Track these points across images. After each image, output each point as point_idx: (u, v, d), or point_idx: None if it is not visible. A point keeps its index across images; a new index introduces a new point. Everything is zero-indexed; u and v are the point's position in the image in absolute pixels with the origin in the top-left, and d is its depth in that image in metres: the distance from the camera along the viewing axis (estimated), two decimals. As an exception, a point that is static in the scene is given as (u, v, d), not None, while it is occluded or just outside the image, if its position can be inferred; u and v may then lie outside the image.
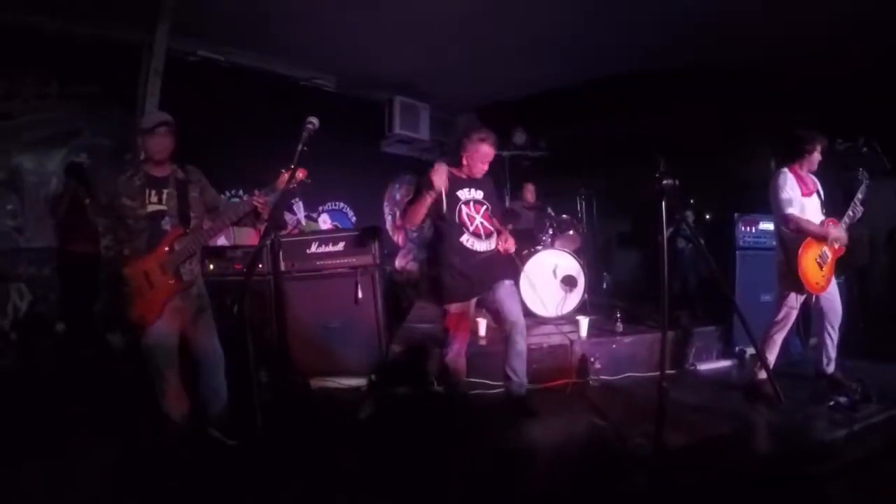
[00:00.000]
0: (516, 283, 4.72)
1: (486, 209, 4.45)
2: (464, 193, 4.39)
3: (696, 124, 7.63)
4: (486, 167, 4.41)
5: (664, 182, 3.08)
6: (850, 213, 4.61)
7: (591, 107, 8.37)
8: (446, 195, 4.22)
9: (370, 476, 3.47)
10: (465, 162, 4.38)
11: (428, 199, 4.11)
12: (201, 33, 6.97)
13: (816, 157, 4.67)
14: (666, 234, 3.18)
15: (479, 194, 4.45)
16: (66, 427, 3.99)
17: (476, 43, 7.17)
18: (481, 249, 4.37)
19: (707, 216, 7.33)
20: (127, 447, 3.68)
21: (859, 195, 4.56)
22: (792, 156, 4.74)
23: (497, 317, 4.49)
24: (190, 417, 3.67)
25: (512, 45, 7.21)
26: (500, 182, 8.85)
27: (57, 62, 6.43)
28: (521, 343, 4.41)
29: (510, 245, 4.42)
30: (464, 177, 4.43)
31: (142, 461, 3.51)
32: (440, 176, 4.06)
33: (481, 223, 4.38)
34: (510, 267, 4.64)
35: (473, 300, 4.43)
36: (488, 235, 4.40)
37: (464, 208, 4.35)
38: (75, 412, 4.29)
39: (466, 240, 4.35)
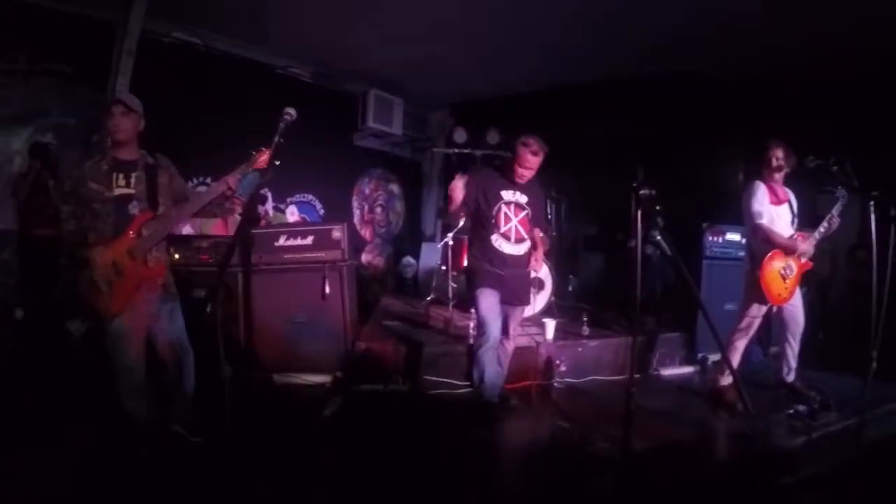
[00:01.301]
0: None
1: (526, 215, 4.52)
2: (508, 194, 4.49)
3: (669, 132, 7.71)
4: (529, 173, 4.44)
5: (641, 191, 3.10)
6: (822, 228, 4.69)
7: (566, 110, 8.39)
8: (490, 192, 4.45)
9: (334, 473, 3.46)
10: (514, 167, 4.43)
11: (452, 207, 4.44)
12: (177, 15, 6.80)
13: (777, 164, 4.75)
14: (638, 241, 3.21)
15: (522, 199, 4.52)
16: (20, 419, 3.87)
17: (454, 40, 7.14)
18: (507, 252, 4.45)
19: (675, 225, 7.40)
20: (85, 442, 3.60)
21: (834, 212, 4.64)
22: (759, 164, 4.88)
23: (502, 326, 4.57)
24: (152, 413, 3.58)
25: (489, 44, 7.20)
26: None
27: (27, 38, 6.18)
28: (509, 347, 4.73)
29: (538, 266, 4.73)
30: (513, 179, 4.49)
31: (100, 457, 3.44)
32: (455, 191, 4.29)
33: (516, 227, 4.45)
34: (529, 293, 4.87)
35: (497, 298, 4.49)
36: (519, 241, 4.47)
37: (504, 208, 4.45)
38: (32, 403, 4.18)
39: (495, 239, 4.45)
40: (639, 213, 3.09)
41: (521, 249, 4.49)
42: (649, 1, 5.77)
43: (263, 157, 3.43)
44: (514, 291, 4.52)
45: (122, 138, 3.52)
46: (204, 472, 3.27)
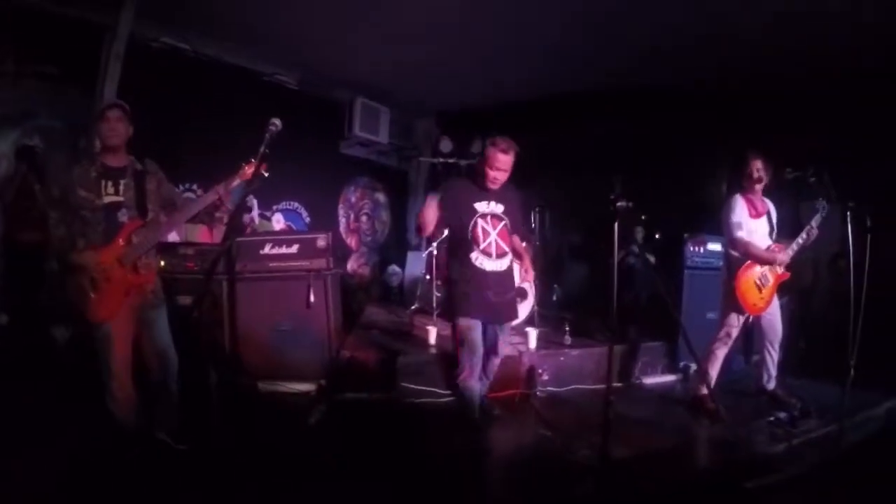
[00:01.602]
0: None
1: (505, 225, 4.23)
2: (482, 206, 4.19)
3: (651, 142, 7.82)
4: (502, 175, 4.15)
5: (618, 204, 3.15)
6: (800, 239, 4.74)
7: (549, 119, 8.48)
8: (464, 206, 4.17)
9: (316, 480, 3.48)
10: (485, 170, 4.14)
11: (424, 233, 4.34)
12: (166, 19, 6.81)
13: (757, 173, 4.80)
14: (617, 253, 3.26)
15: (498, 208, 4.22)
16: (8, 425, 3.83)
17: (440, 50, 7.20)
18: (490, 269, 4.17)
19: (657, 235, 7.48)
20: (69, 447, 3.60)
21: (813, 223, 4.69)
22: (738, 177, 4.95)
23: (490, 343, 4.41)
24: (138, 419, 3.59)
25: (475, 54, 7.26)
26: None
27: (15, 40, 6.16)
28: (495, 361, 4.59)
29: (530, 276, 4.44)
30: (485, 188, 4.22)
31: (84, 462, 3.43)
32: (427, 216, 4.09)
33: (496, 241, 4.16)
34: (516, 307, 4.64)
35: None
36: (500, 255, 4.19)
37: (480, 222, 4.16)
38: (15, 408, 4.15)
39: (475, 257, 4.17)
40: (615, 224, 3.10)
41: (503, 265, 4.23)
42: (633, 13, 5.87)
43: (250, 169, 3.44)
44: (502, 311, 4.32)
45: (116, 143, 3.55)
46: (188, 477, 3.30)
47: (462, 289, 4.21)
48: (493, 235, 4.15)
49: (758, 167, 4.80)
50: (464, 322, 4.18)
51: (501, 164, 4.10)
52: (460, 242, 4.22)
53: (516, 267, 4.51)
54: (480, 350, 4.22)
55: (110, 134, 3.51)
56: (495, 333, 4.37)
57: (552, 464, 3.91)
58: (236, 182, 3.55)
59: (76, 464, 3.42)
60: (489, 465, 4.03)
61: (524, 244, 4.51)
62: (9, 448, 3.54)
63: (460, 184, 4.42)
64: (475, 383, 4.31)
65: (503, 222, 4.22)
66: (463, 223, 4.16)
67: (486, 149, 4.18)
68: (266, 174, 3.28)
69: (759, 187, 4.86)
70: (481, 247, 4.13)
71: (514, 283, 4.40)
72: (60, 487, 3.19)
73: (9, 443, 3.60)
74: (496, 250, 4.15)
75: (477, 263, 4.16)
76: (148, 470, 3.36)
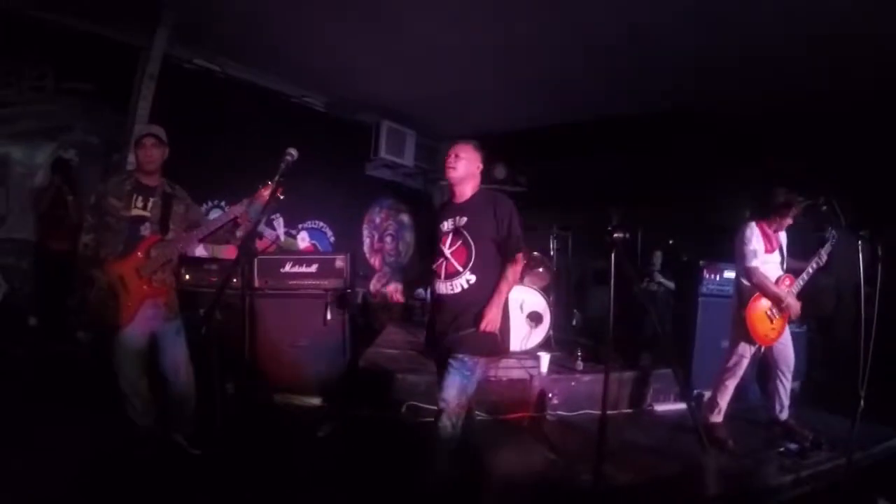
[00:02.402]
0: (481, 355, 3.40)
1: (463, 242, 3.44)
2: (447, 223, 3.56)
3: (677, 167, 7.84)
4: (457, 176, 3.54)
5: (615, 235, 3.21)
6: (810, 269, 4.74)
7: (575, 146, 8.56)
8: (435, 229, 3.62)
9: (322, 496, 3.57)
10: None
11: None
12: (199, 42, 7.09)
13: (788, 220, 4.79)
14: (611, 281, 3.29)
15: (462, 220, 3.49)
16: (29, 424, 4.02)
17: (464, 79, 7.36)
18: (440, 292, 3.52)
19: (684, 258, 7.48)
20: (89, 448, 3.72)
21: (823, 252, 4.70)
22: (765, 212, 4.85)
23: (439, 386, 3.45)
24: (155, 423, 3.73)
25: (499, 82, 7.40)
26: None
27: (55, 57, 6.47)
28: (443, 426, 3.34)
29: (487, 318, 3.30)
30: (451, 203, 3.67)
31: (103, 463, 3.56)
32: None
33: (447, 260, 3.48)
34: (479, 339, 3.35)
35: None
36: (451, 275, 3.44)
37: (440, 243, 3.55)
38: (40, 409, 4.32)
39: (434, 282, 3.60)
40: (612, 255, 3.16)
41: (454, 287, 3.42)
42: (652, 42, 5.99)
43: (266, 192, 3.55)
44: (445, 342, 3.46)
45: (151, 169, 3.76)
46: (198, 479, 3.42)
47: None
48: (447, 253, 3.48)
49: (796, 214, 4.76)
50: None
51: (449, 163, 3.55)
52: None
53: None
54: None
55: (146, 160, 3.73)
56: (445, 371, 3.39)
57: (552, 485, 3.97)
58: (251, 203, 3.70)
59: (92, 462, 3.55)
60: (490, 486, 4.04)
61: (514, 264, 3.48)
62: (28, 446, 3.69)
63: (440, 207, 3.88)
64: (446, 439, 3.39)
65: (461, 238, 3.45)
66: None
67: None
68: (282, 197, 3.41)
69: (783, 223, 4.82)
70: (434, 267, 3.56)
71: (466, 306, 3.39)
72: (74, 483, 3.31)
73: (34, 442, 3.75)
74: (446, 269, 3.47)
75: (434, 288, 3.61)
76: (160, 471, 3.50)
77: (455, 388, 3.30)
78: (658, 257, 7.65)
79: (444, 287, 3.46)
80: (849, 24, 5.27)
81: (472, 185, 3.62)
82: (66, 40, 6.42)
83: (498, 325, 3.35)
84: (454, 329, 3.38)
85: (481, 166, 3.67)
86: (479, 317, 3.30)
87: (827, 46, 5.61)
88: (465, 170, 3.55)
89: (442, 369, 3.44)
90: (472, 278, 3.40)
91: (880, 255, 4.12)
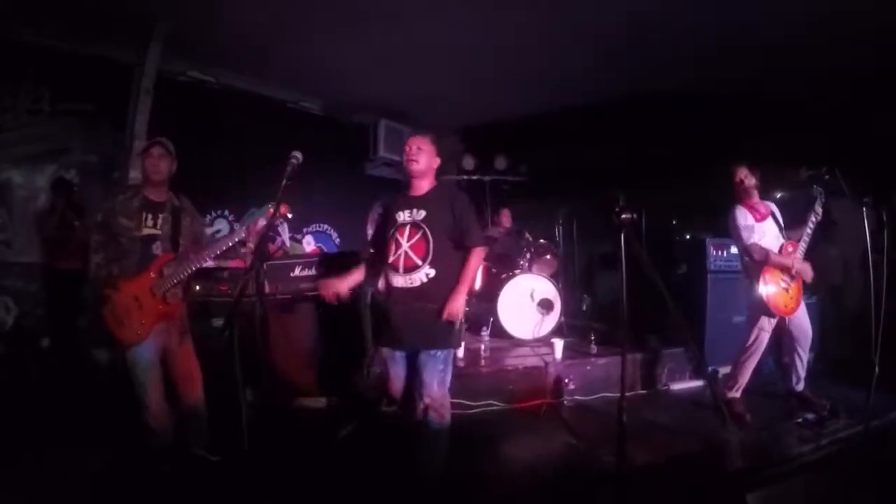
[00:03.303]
0: (451, 347, 3.52)
1: (423, 235, 3.45)
2: (403, 215, 3.56)
3: (678, 148, 7.83)
4: (417, 170, 3.55)
5: (623, 216, 3.22)
6: (808, 229, 4.73)
7: (575, 131, 8.54)
8: (387, 221, 3.65)
9: (349, 493, 3.61)
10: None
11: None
12: (192, 55, 7.11)
13: (748, 183, 4.86)
14: (623, 261, 3.31)
15: (420, 214, 3.51)
16: (49, 441, 4.06)
17: (460, 70, 7.35)
18: (396, 285, 3.50)
19: (687, 236, 7.49)
20: (110, 462, 3.77)
21: (813, 216, 4.71)
22: (734, 194, 4.98)
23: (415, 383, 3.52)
24: (173, 431, 3.74)
25: (496, 72, 7.39)
26: (481, 207, 9.04)
27: (50, 79, 6.52)
28: (432, 422, 3.45)
29: (451, 307, 3.35)
30: (408, 195, 3.65)
31: (125, 476, 3.61)
32: (326, 291, 3.63)
33: (405, 252, 3.46)
34: (438, 332, 3.42)
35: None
36: (410, 269, 3.43)
37: (396, 234, 3.54)
38: (59, 426, 4.37)
39: (386, 272, 3.59)
40: (622, 235, 3.18)
41: (413, 280, 3.43)
42: (655, 23, 5.98)
43: (269, 213, 3.44)
44: (411, 336, 3.46)
45: (159, 179, 3.74)
46: (221, 486, 3.45)
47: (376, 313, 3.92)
48: (405, 247, 3.47)
49: (744, 174, 4.86)
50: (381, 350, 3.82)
51: (409, 155, 3.56)
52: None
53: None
54: (396, 384, 3.66)
55: (153, 170, 3.70)
56: (416, 365, 3.47)
57: (575, 470, 3.99)
58: (260, 223, 3.68)
59: (117, 476, 3.61)
60: (512, 472, 4.08)
61: (475, 250, 3.51)
62: (56, 462, 3.75)
63: (395, 195, 3.79)
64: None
65: (420, 231, 3.46)
66: (386, 235, 3.63)
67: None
68: (290, 216, 3.43)
69: (753, 192, 4.89)
70: (390, 260, 3.52)
71: (426, 301, 3.40)
72: (102, 498, 3.38)
73: (56, 458, 3.81)
74: (404, 263, 3.45)
75: (388, 279, 3.58)
76: (184, 482, 3.53)
77: (436, 382, 3.38)
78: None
79: (402, 280, 3.46)
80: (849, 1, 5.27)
81: (429, 179, 3.64)
82: (60, 62, 6.48)
83: (461, 316, 3.43)
84: (417, 324, 3.41)
85: (439, 160, 3.69)
86: (441, 309, 3.33)
87: (827, 25, 5.58)
88: (426, 163, 3.58)
89: (399, 363, 3.59)
90: (432, 272, 3.42)
91: (885, 220, 4.13)
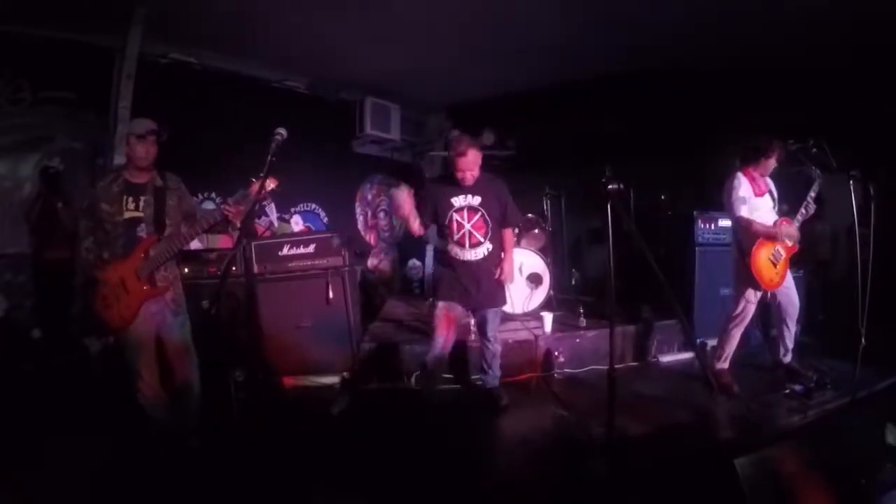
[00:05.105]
0: (504, 304, 4.78)
1: (482, 217, 4.43)
2: (458, 200, 4.43)
3: (666, 123, 7.83)
4: (470, 174, 4.31)
5: (609, 186, 3.24)
6: (803, 210, 4.76)
7: (563, 107, 8.49)
8: (441, 202, 4.45)
9: (343, 470, 3.64)
10: (455, 171, 4.33)
11: (413, 230, 4.49)
12: (173, 36, 7.00)
13: (772, 162, 4.81)
14: (609, 233, 3.34)
15: (475, 200, 4.42)
16: (44, 432, 4.06)
17: (447, 46, 7.27)
18: (464, 259, 4.48)
19: (669, 212, 7.52)
20: (104, 449, 3.77)
21: (812, 193, 4.74)
22: (748, 159, 4.89)
23: (480, 329, 4.78)
24: (166, 411, 3.76)
25: (482, 47, 7.31)
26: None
27: (30, 68, 6.42)
28: (493, 348, 4.75)
29: (505, 276, 4.57)
30: (460, 184, 4.39)
31: (120, 462, 3.62)
32: (402, 208, 4.35)
33: (469, 231, 4.42)
34: (499, 294, 4.66)
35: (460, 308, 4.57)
36: (474, 245, 4.45)
37: (455, 216, 4.42)
38: (54, 417, 4.37)
39: (451, 248, 4.53)
40: (608, 206, 3.21)
41: (478, 254, 4.47)
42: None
43: (254, 187, 3.53)
44: (481, 296, 4.50)
45: (144, 165, 3.73)
46: (212, 469, 3.49)
47: (441, 276, 4.84)
48: (468, 227, 4.43)
49: (781, 158, 4.82)
50: (439, 305, 4.56)
51: (464, 165, 4.28)
52: (442, 234, 4.64)
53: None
54: (449, 332, 4.50)
55: (144, 155, 3.69)
56: (483, 319, 4.64)
57: (566, 441, 4.05)
58: (244, 196, 3.68)
59: (112, 463, 3.62)
60: (504, 444, 4.14)
61: (514, 230, 4.86)
62: (51, 452, 3.75)
63: (440, 182, 4.68)
64: (436, 358, 4.54)
65: (479, 214, 4.44)
66: (442, 216, 4.46)
67: (452, 156, 4.36)
68: (278, 190, 3.47)
69: (770, 168, 4.86)
70: (455, 238, 4.47)
71: (491, 271, 4.53)
72: (96, 486, 3.39)
73: (50, 448, 3.81)
74: (470, 240, 4.45)
75: (453, 254, 4.54)
76: (177, 466, 3.55)
77: (495, 327, 4.70)
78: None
79: (468, 254, 4.47)
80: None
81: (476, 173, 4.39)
82: (39, 50, 6.38)
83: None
84: (485, 288, 4.51)
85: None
86: (500, 275, 4.56)
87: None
88: (478, 167, 4.36)
89: (475, 315, 4.81)
90: (490, 247, 4.50)
91: (872, 193, 4.16)
